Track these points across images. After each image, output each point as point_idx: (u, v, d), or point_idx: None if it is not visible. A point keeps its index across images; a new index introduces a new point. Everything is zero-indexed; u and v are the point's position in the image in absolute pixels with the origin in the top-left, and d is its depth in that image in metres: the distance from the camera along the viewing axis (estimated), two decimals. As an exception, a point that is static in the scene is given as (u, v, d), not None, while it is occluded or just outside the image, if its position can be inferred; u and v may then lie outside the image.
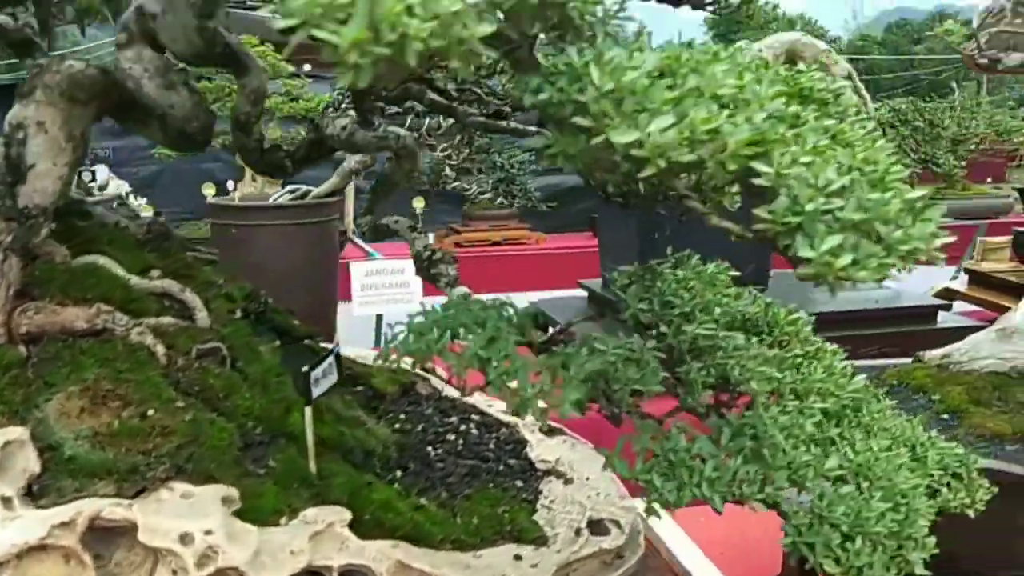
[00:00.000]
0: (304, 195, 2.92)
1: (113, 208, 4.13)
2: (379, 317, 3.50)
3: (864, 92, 3.01)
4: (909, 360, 1.68)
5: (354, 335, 3.63)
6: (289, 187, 2.98)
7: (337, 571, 0.87)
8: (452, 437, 1.19)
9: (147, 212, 4.65)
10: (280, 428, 1.01)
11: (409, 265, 3.69)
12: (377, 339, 3.40)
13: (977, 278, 3.84)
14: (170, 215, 5.32)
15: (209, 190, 4.11)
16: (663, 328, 0.92)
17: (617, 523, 1.04)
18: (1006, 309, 3.21)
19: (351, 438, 1.07)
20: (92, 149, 6.78)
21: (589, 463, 1.16)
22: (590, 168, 0.74)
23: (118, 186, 5.07)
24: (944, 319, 3.13)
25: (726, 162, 0.66)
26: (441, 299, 0.90)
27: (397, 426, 1.19)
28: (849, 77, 2.98)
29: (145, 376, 0.96)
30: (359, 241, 5.17)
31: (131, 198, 5.03)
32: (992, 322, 1.76)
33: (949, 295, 3.79)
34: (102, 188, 5.00)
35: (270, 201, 2.90)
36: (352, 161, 2.93)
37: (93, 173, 5.02)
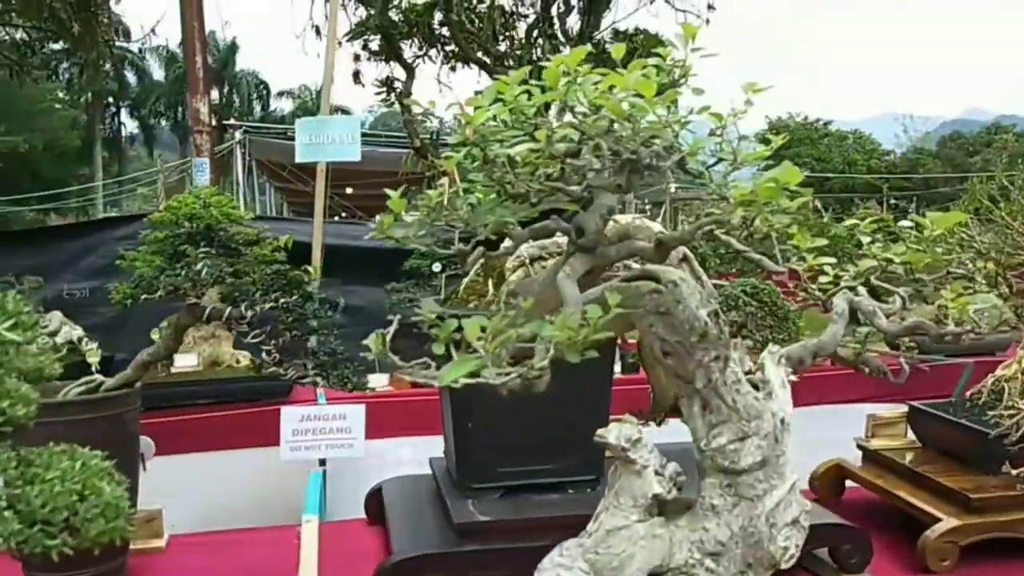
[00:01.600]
0: (97, 387, 2.67)
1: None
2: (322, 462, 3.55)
3: (703, 274, 2.99)
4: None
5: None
6: (83, 379, 2.72)
7: None
8: None
9: (94, 357, 4.91)
10: None
11: (353, 410, 3.55)
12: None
13: (870, 456, 3.32)
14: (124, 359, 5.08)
15: (155, 335, 4.01)
16: None
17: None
18: (900, 500, 2.89)
19: None
20: (65, 290, 6.47)
21: None
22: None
23: (67, 333, 5.06)
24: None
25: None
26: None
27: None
28: (685, 259, 2.96)
29: None
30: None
31: (82, 343, 4.98)
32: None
33: (839, 475, 3.38)
34: (53, 334, 5.03)
35: (59, 396, 2.63)
36: (145, 354, 2.71)
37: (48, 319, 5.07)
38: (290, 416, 3.97)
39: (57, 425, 2.53)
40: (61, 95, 35.13)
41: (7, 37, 9.05)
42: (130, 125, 47.60)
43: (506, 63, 16.04)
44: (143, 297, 2.39)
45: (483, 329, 1.26)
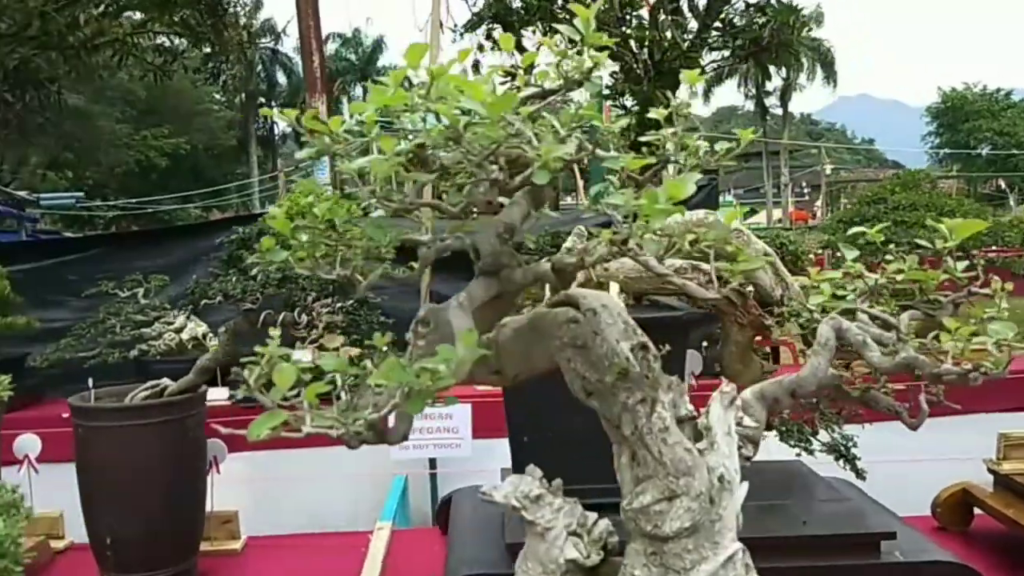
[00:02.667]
0: (162, 391, 2.68)
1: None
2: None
3: (786, 273, 2.71)
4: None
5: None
6: (150, 383, 2.74)
7: None
8: None
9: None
10: None
11: (459, 410, 3.55)
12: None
13: (1001, 481, 2.88)
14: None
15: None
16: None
17: None
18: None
19: None
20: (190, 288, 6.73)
21: None
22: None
23: (192, 329, 5.22)
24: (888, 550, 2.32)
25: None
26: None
27: None
28: (766, 255, 2.71)
29: None
30: None
31: (207, 339, 5.11)
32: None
33: (966, 501, 2.97)
34: (178, 331, 5.24)
35: (126, 400, 2.66)
36: (204, 359, 2.70)
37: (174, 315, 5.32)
38: None
39: (123, 429, 2.58)
40: (218, 96, 37.04)
41: (151, 43, 9.56)
42: (281, 124, 49.81)
43: (630, 44, 15.62)
44: (203, 302, 2.36)
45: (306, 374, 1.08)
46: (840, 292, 1.67)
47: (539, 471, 1.53)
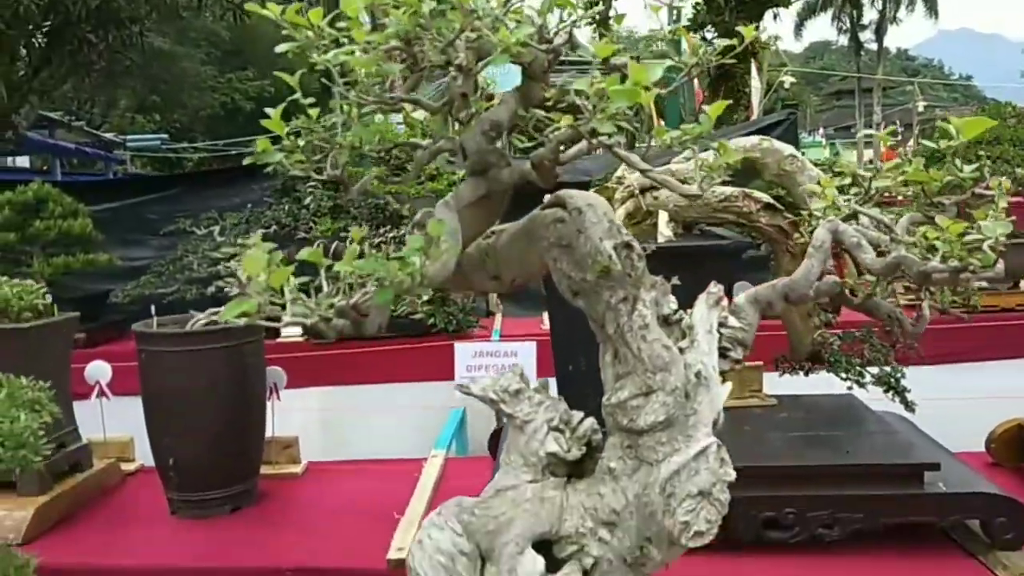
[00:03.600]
0: (221, 319, 2.77)
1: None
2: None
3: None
4: None
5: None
6: (209, 310, 2.85)
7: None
8: None
9: None
10: None
11: (524, 348, 3.64)
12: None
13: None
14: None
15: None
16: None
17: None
18: None
19: None
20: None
21: None
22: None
23: None
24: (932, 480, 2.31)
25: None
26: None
27: None
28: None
29: None
30: (498, 317, 5.43)
31: None
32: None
33: (1022, 436, 2.84)
34: None
35: (189, 326, 2.77)
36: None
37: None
38: (464, 352, 4.05)
39: (182, 354, 2.69)
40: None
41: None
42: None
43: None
44: (261, 231, 2.42)
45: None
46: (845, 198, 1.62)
47: (520, 368, 1.55)
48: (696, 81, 11.33)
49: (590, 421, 1.51)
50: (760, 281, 2.82)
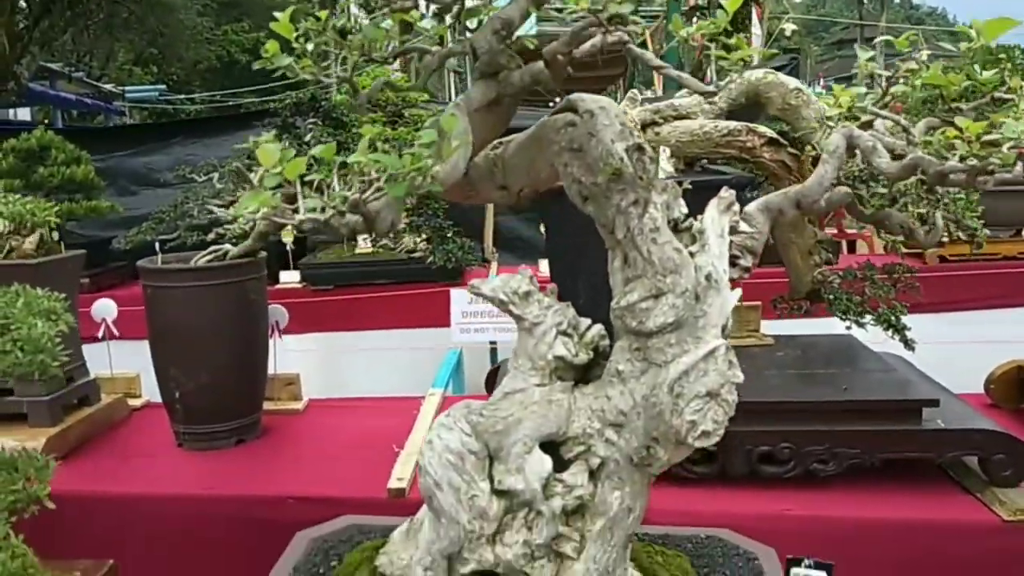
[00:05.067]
0: (224, 255, 2.80)
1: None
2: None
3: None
4: None
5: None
6: (212, 247, 2.86)
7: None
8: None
9: (288, 237, 5.11)
10: None
11: None
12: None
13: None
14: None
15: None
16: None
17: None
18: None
19: None
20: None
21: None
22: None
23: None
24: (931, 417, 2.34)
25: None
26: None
27: None
28: (827, 119, 2.62)
29: None
30: (494, 265, 5.52)
31: None
32: None
33: (1020, 378, 2.87)
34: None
35: (192, 262, 2.79)
36: (262, 224, 2.78)
37: None
38: (460, 298, 4.05)
39: (186, 289, 2.71)
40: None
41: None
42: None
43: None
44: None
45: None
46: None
47: (529, 272, 1.57)
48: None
49: (598, 327, 1.53)
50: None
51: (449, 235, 2.73)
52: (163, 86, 22.21)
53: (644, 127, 2.49)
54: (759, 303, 2.95)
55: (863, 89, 1.64)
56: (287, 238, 5.34)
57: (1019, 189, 5.46)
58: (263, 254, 2.85)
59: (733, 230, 1.44)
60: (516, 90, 1.40)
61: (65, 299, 1.64)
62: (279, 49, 1.37)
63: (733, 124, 2.49)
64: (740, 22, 9.20)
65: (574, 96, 1.41)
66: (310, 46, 1.38)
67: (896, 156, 1.49)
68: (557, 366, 1.49)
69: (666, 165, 2.55)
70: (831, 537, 2.26)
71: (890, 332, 2.59)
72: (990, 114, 1.44)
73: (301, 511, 2.31)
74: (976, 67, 1.50)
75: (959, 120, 1.41)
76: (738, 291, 1.40)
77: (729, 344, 1.38)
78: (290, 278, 5.37)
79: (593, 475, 1.47)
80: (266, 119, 5.33)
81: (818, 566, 1.64)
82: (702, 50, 10.80)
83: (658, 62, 1.43)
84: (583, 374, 1.53)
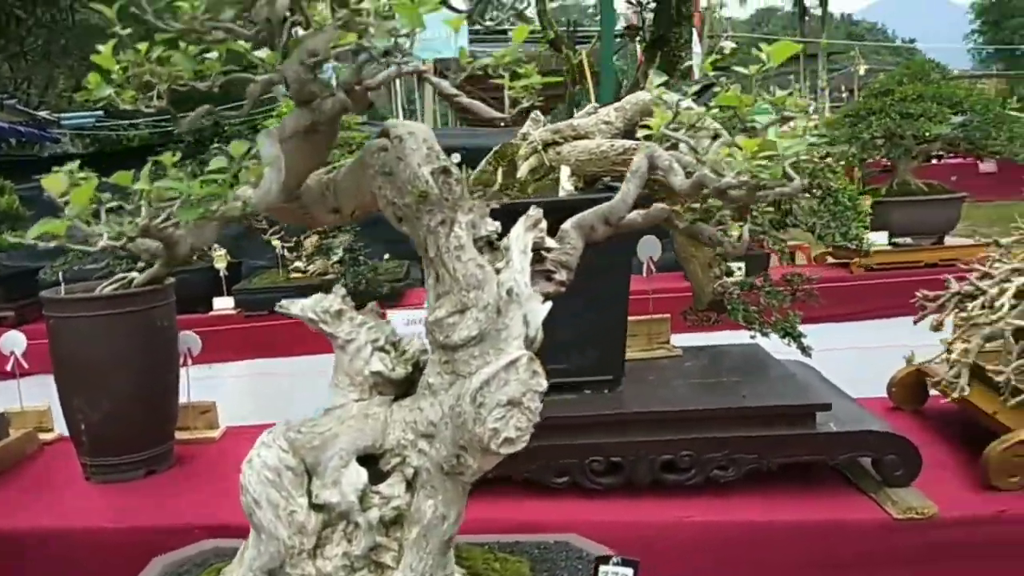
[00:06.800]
0: (129, 283, 2.78)
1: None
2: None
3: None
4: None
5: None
6: (117, 275, 2.84)
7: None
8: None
9: (221, 263, 5.18)
10: None
11: None
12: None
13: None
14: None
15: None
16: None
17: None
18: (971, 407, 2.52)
19: None
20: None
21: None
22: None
23: None
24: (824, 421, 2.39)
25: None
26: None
27: None
28: (717, 137, 2.68)
29: None
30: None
31: (211, 249, 5.23)
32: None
33: (919, 382, 2.98)
34: None
35: (96, 291, 2.76)
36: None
37: None
38: (396, 320, 4.05)
39: (90, 319, 2.69)
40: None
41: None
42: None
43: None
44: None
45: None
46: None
47: (343, 290, 1.62)
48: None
49: (419, 343, 1.57)
50: (665, 235, 2.91)
51: (360, 257, 2.74)
52: (99, 112, 21.91)
53: (545, 146, 2.54)
54: (668, 315, 3.01)
55: (671, 113, 1.70)
56: (220, 264, 5.32)
57: (942, 199, 5.65)
58: (170, 280, 2.84)
59: (546, 248, 1.49)
60: (328, 117, 1.44)
61: None
62: (100, 80, 1.39)
63: (629, 143, 2.55)
64: (676, 42, 9.41)
65: (389, 122, 1.48)
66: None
67: (689, 173, 1.56)
68: (376, 381, 1.53)
69: (567, 184, 2.60)
70: (730, 541, 2.32)
71: (786, 340, 2.66)
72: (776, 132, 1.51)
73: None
74: (771, 87, 1.57)
75: (738, 139, 1.47)
76: (548, 305, 1.45)
77: (532, 355, 1.43)
78: (224, 304, 5.32)
79: (410, 485, 1.52)
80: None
81: (624, 563, 1.70)
82: (640, 67, 11.01)
83: (452, 90, 1.48)
84: (406, 388, 1.57)
